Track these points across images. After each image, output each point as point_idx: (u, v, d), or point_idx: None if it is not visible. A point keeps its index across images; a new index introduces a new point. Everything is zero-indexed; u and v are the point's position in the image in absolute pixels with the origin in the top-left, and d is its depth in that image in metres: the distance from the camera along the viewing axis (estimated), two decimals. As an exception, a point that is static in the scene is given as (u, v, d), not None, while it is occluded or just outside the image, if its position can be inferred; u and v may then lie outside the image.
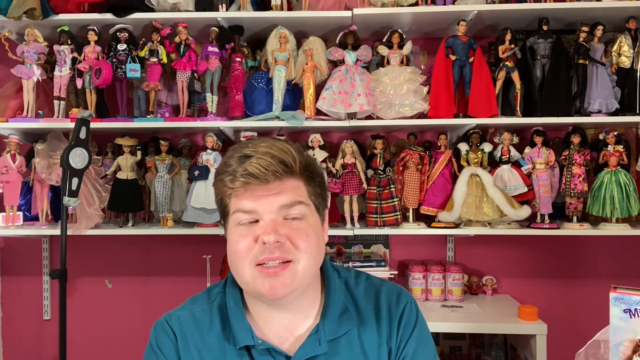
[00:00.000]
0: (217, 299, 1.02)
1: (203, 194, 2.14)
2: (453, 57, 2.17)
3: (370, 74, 2.21)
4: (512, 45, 2.17)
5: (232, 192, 0.92)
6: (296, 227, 0.91)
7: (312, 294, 0.99)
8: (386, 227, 2.21)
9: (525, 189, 2.20)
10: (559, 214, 2.25)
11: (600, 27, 2.15)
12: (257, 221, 0.91)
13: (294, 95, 2.32)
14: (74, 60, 2.18)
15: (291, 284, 0.89)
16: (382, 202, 2.20)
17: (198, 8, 2.19)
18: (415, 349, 0.98)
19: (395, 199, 2.20)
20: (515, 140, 2.22)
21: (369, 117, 2.21)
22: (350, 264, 2.26)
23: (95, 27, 2.17)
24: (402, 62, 2.21)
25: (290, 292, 0.90)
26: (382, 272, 2.21)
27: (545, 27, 2.16)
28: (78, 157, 1.95)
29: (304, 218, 0.93)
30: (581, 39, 2.13)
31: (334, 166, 2.21)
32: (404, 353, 0.98)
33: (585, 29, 2.13)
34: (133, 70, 2.14)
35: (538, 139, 2.18)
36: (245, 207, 0.91)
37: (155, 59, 2.15)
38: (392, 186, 2.21)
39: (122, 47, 2.16)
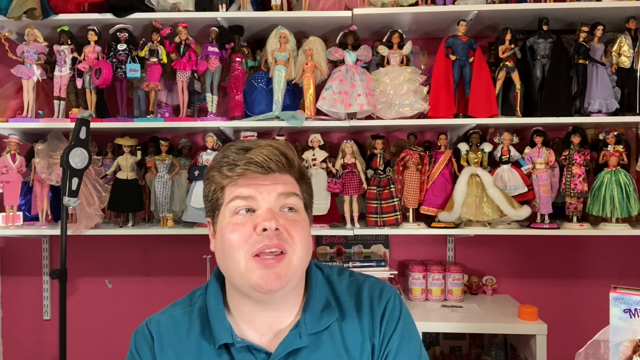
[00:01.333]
0: (199, 301, 1.02)
1: (203, 194, 2.14)
2: (453, 57, 2.17)
3: (370, 74, 2.21)
4: (512, 45, 2.17)
5: (229, 181, 0.93)
6: (292, 218, 0.93)
7: (297, 292, 0.99)
8: (386, 227, 2.21)
9: (525, 189, 2.20)
10: (559, 214, 2.25)
11: (600, 27, 2.15)
12: (253, 211, 0.92)
13: (294, 95, 2.32)
14: (74, 60, 2.18)
15: (285, 276, 0.90)
16: (382, 202, 2.20)
17: (198, 8, 2.19)
18: (399, 344, 0.98)
19: (395, 199, 2.20)
20: (515, 140, 2.22)
21: (369, 117, 2.21)
22: (350, 264, 2.26)
23: (95, 27, 2.17)
24: (402, 62, 2.21)
25: (284, 285, 0.90)
26: (382, 272, 2.20)
27: (545, 27, 2.16)
28: (78, 157, 1.95)
29: (298, 211, 0.96)
30: (581, 39, 2.13)
31: (334, 166, 2.21)
32: (388, 349, 0.98)
33: (585, 29, 2.12)
34: (133, 70, 2.14)
35: (538, 139, 2.18)
36: (243, 193, 0.92)
37: (155, 59, 2.15)
38: (392, 186, 2.21)
39: (122, 47, 2.16)
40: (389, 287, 1.04)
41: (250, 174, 0.92)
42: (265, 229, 0.89)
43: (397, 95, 2.17)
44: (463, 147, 2.21)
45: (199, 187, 2.15)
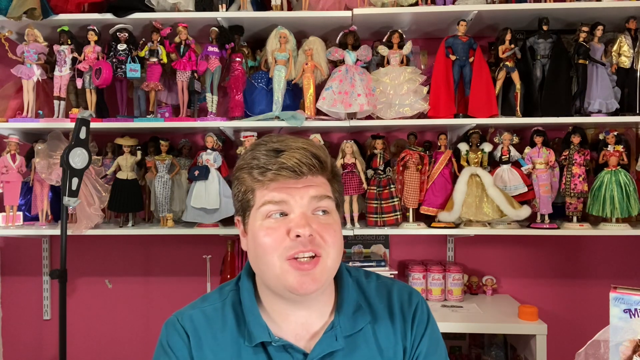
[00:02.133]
0: (230, 296, 1.01)
1: (203, 194, 2.14)
2: (453, 57, 2.17)
3: (370, 74, 2.21)
4: (512, 45, 2.17)
5: (260, 185, 0.92)
6: (324, 221, 0.92)
7: (328, 293, 0.99)
8: (386, 227, 2.21)
9: (525, 189, 2.20)
10: (559, 214, 2.25)
11: (600, 27, 2.15)
12: (286, 215, 0.91)
13: (294, 95, 2.32)
14: (74, 60, 2.18)
15: (320, 279, 0.90)
16: (382, 202, 2.20)
17: (198, 8, 2.19)
18: (429, 347, 1.00)
19: (395, 199, 2.20)
20: (515, 140, 2.22)
21: (369, 117, 2.21)
22: (350, 264, 2.25)
23: (95, 27, 2.17)
24: (402, 62, 2.21)
25: (319, 287, 0.90)
26: (382, 272, 2.18)
27: (545, 27, 2.16)
28: (78, 157, 1.95)
29: (331, 213, 0.94)
30: (581, 39, 2.13)
31: (334, 166, 2.21)
32: (418, 352, 0.99)
33: (585, 29, 2.13)
34: (133, 70, 2.14)
35: (538, 139, 2.18)
36: (275, 198, 0.91)
37: (155, 59, 2.15)
38: (392, 186, 2.21)
39: (122, 47, 2.16)
40: (415, 291, 1.06)
41: (282, 178, 0.91)
42: (298, 235, 0.88)
43: (397, 95, 2.17)
44: (463, 147, 2.21)
45: (199, 187, 2.15)
